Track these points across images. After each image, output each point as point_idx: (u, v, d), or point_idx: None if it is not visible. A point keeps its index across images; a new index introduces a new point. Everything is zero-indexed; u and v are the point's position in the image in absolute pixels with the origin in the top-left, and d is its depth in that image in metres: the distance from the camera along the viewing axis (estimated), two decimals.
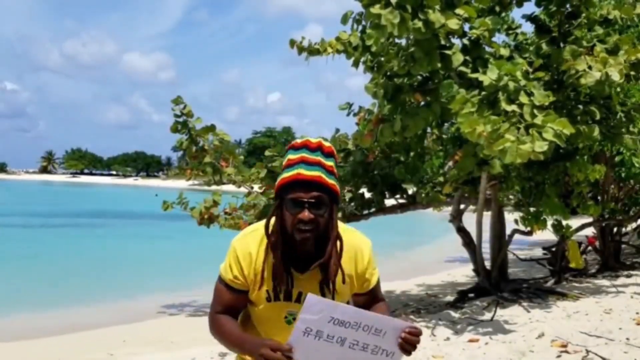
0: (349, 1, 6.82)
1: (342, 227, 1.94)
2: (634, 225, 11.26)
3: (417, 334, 1.77)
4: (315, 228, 1.81)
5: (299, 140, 1.92)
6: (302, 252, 1.88)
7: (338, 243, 1.88)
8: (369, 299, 2.06)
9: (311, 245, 1.85)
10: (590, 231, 10.43)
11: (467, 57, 6.22)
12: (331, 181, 1.85)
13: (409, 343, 1.77)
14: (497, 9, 6.85)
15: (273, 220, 1.90)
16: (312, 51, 7.51)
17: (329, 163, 1.88)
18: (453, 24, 5.70)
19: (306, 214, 1.78)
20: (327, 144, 1.90)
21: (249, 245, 1.94)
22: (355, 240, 1.97)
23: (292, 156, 1.88)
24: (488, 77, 5.49)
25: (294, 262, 1.89)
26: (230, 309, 1.99)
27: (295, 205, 1.81)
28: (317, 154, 1.86)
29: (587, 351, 4.93)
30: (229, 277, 1.94)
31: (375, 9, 5.48)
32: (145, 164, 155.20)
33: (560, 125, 5.11)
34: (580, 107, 6.58)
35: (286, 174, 1.85)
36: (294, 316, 1.92)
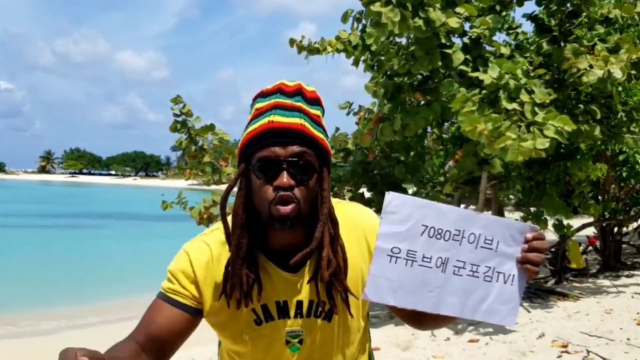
0: None
1: (334, 202, 1.38)
2: (634, 225, 11.23)
3: (542, 238, 1.25)
4: (298, 203, 1.24)
5: (269, 86, 1.33)
6: (281, 243, 1.32)
7: (330, 226, 1.31)
8: None
9: (294, 232, 1.30)
10: (590, 231, 10.40)
11: (468, 56, 6.20)
12: (319, 134, 1.29)
13: (532, 260, 1.23)
14: (498, 8, 6.84)
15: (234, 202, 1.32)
16: (312, 50, 7.50)
17: (315, 112, 1.31)
18: (453, 22, 5.68)
19: (285, 179, 1.22)
20: (309, 87, 1.33)
21: (207, 249, 1.37)
22: (357, 214, 1.40)
23: (260, 104, 1.30)
24: (489, 75, 5.47)
25: (279, 258, 1.34)
26: (157, 337, 1.33)
27: (268, 168, 1.24)
28: (296, 99, 1.29)
29: (588, 351, 4.91)
30: (170, 287, 1.36)
31: (376, 7, 5.46)
32: (145, 164, 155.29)
33: (562, 122, 5.09)
34: (581, 106, 6.56)
35: (252, 126, 1.28)
36: (300, 337, 1.36)
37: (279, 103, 1.28)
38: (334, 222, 1.32)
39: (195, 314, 1.35)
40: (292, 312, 1.36)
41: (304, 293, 1.35)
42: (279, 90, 1.30)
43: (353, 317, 1.39)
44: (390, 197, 1.20)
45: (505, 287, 1.24)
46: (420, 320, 1.40)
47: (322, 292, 1.34)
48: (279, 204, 1.23)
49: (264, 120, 1.26)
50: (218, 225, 1.38)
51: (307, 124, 1.27)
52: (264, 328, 1.35)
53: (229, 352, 1.45)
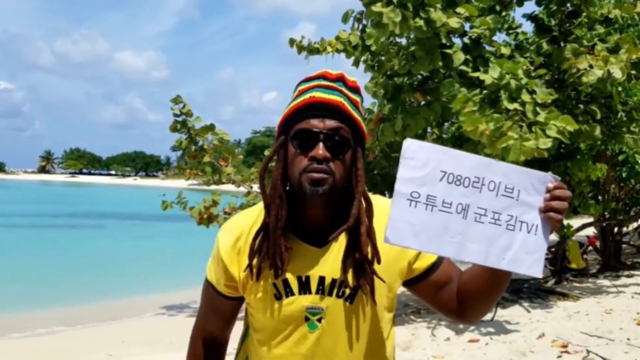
0: None
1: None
2: (634, 225, 11.23)
3: (564, 187, 1.24)
4: (332, 175, 1.27)
5: (314, 73, 1.41)
6: (312, 218, 1.34)
7: (365, 204, 1.32)
8: (442, 279, 1.41)
9: (326, 206, 1.32)
10: (590, 231, 10.40)
11: (468, 56, 6.20)
12: (356, 114, 1.33)
13: (556, 208, 1.22)
14: (498, 8, 6.84)
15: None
16: (312, 50, 7.50)
17: (355, 97, 1.37)
18: (454, 22, 5.68)
19: (320, 151, 1.26)
20: (351, 78, 1.40)
21: (238, 226, 1.42)
22: (387, 205, 1.32)
23: (303, 86, 1.37)
24: (490, 75, 5.47)
25: (306, 235, 1.35)
26: (220, 317, 1.48)
27: (306, 139, 1.28)
28: (338, 84, 1.36)
29: (588, 351, 4.91)
30: (212, 278, 1.46)
31: (377, 7, 5.46)
32: (145, 164, 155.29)
33: (564, 122, 5.09)
34: (581, 106, 6.56)
35: (294, 103, 1.34)
36: (319, 315, 1.36)
37: (321, 84, 1.35)
38: (368, 202, 1.34)
39: (235, 299, 1.45)
40: (313, 288, 1.35)
41: (328, 269, 1.34)
42: (322, 76, 1.37)
43: (376, 304, 1.37)
44: (408, 143, 1.21)
45: (529, 236, 1.22)
46: (465, 304, 1.39)
47: (348, 272, 1.34)
48: (313, 177, 1.26)
49: (306, 96, 1.32)
50: (258, 206, 1.44)
51: (346, 103, 1.32)
52: (283, 303, 1.35)
53: (254, 337, 1.46)
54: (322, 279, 1.34)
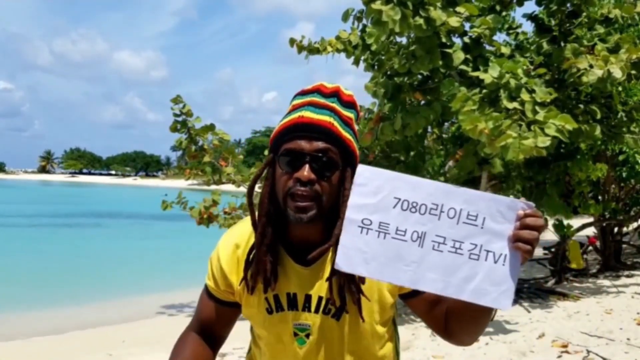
0: None
1: None
2: (634, 225, 11.23)
3: (537, 215, 1.16)
4: (317, 197, 1.26)
5: (309, 86, 1.39)
6: (300, 237, 1.35)
7: None
8: (433, 296, 1.37)
9: (313, 227, 1.31)
10: (590, 231, 10.40)
11: (468, 56, 6.20)
12: (347, 134, 1.31)
13: (524, 238, 1.14)
14: (498, 7, 6.84)
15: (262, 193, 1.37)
16: (312, 50, 7.49)
17: (348, 114, 1.34)
18: (454, 21, 5.68)
19: (305, 172, 1.24)
20: (347, 91, 1.37)
21: (238, 235, 1.44)
22: None
23: (297, 101, 1.36)
24: (489, 75, 5.47)
25: (295, 252, 1.37)
26: (209, 324, 1.47)
27: (292, 160, 1.27)
28: (332, 99, 1.33)
29: (588, 351, 4.91)
30: (210, 284, 1.46)
31: (377, 5, 5.45)
32: (145, 164, 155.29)
33: (563, 120, 5.08)
34: (581, 106, 6.56)
35: (284, 120, 1.33)
36: (307, 332, 1.38)
37: (313, 101, 1.33)
38: None
39: (233, 305, 1.45)
40: (300, 305, 1.37)
41: (315, 288, 1.36)
42: (317, 90, 1.36)
43: (364, 321, 1.37)
44: (361, 169, 1.19)
45: (496, 267, 1.15)
46: (450, 327, 1.37)
47: (334, 290, 1.34)
48: (296, 198, 1.26)
49: (295, 115, 1.30)
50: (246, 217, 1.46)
51: (335, 123, 1.30)
52: (274, 317, 1.39)
53: (256, 335, 1.52)
54: (308, 297, 1.36)
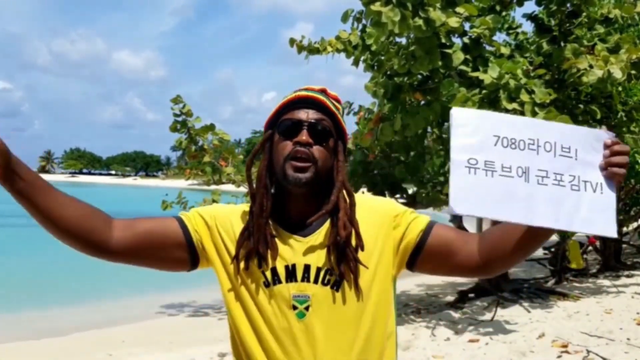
0: None
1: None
2: (634, 225, 11.24)
3: (621, 142, 1.22)
4: (315, 163, 1.33)
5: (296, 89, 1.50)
6: (297, 210, 1.39)
7: (346, 194, 1.38)
8: (440, 241, 1.40)
9: (309, 196, 1.37)
10: None
11: (468, 56, 6.20)
12: (338, 114, 1.43)
13: (618, 163, 1.20)
14: (498, 8, 6.84)
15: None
16: (312, 50, 7.50)
17: (336, 104, 1.46)
18: (454, 22, 5.68)
19: (304, 137, 1.33)
20: (333, 92, 1.49)
21: (238, 210, 1.46)
22: (375, 201, 1.47)
23: (288, 95, 1.47)
24: (489, 75, 5.47)
25: (291, 226, 1.40)
26: (137, 230, 1.40)
27: (291, 127, 1.36)
28: (321, 94, 1.44)
29: (588, 351, 4.91)
30: (186, 215, 1.44)
31: (376, 6, 5.46)
32: (145, 164, 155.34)
33: (562, 121, 5.08)
34: (581, 106, 6.56)
35: (280, 102, 1.44)
36: (307, 304, 1.37)
37: (306, 88, 1.44)
38: (349, 193, 1.39)
39: (189, 248, 1.41)
40: (299, 276, 1.37)
41: (313, 258, 1.38)
42: (305, 89, 1.45)
43: (361, 292, 1.38)
44: (456, 111, 1.19)
45: (595, 195, 1.18)
46: (496, 257, 1.36)
47: (333, 259, 1.36)
48: (296, 163, 1.33)
49: (291, 96, 1.42)
50: (247, 199, 1.48)
51: (328, 102, 1.40)
52: (272, 290, 1.37)
53: (244, 326, 1.40)
54: (307, 267, 1.37)
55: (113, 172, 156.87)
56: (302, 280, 1.37)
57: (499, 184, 1.16)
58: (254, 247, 1.35)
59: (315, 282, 1.37)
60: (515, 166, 1.16)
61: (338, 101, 1.48)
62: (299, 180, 1.32)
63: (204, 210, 1.46)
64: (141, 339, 7.43)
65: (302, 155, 1.33)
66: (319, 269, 1.37)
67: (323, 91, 1.45)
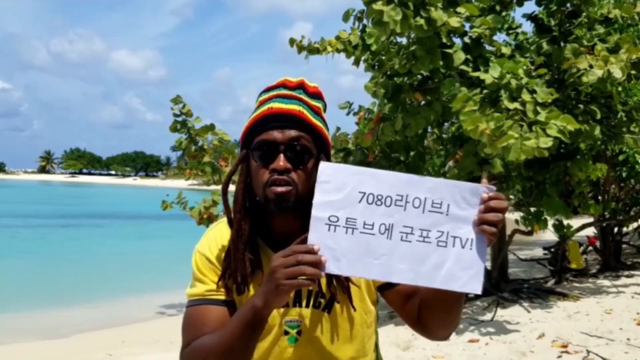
0: None
1: None
2: (634, 225, 11.23)
3: (500, 198, 1.17)
4: (295, 185, 1.26)
5: (274, 82, 1.40)
6: (281, 229, 1.33)
7: None
8: (408, 288, 1.37)
9: (293, 217, 1.30)
10: (590, 231, 10.40)
11: (469, 56, 6.20)
12: (317, 122, 1.32)
13: (489, 221, 1.15)
14: (498, 8, 6.84)
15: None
16: (312, 50, 7.49)
17: (315, 104, 1.36)
18: (455, 22, 5.67)
19: (281, 162, 1.25)
20: (312, 84, 1.39)
21: (221, 235, 1.38)
22: None
23: (263, 96, 1.36)
24: (490, 75, 5.46)
25: (276, 245, 1.32)
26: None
27: (266, 151, 1.27)
28: (298, 91, 1.35)
29: (588, 351, 4.91)
30: (204, 290, 1.34)
31: (378, 6, 5.45)
32: (145, 164, 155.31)
33: (564, 121, 5.08)
34: (581, 106, 6.56)
35: (253, 115, 1.34)
36: (298, 328, 1.34)
37: (280, 94, 1.34)
38: None
39: (229, 302, 1.35)
40: (290, 301, 1.33)
41: None
42: (282, 85, 1.37)
43: (356, 310, 1.36)
44: (323, 166, 1.18)
45: (463, 252, 1.17)
46: (424, 320, 1.36)
47: (323, 282, 1.32)
48: (273, 185, 1.26)
49: (264, 108, 1.31)
50: (222, 218, 1.41)
51: (305, 112, 1.31)
52: None
53: None
54: (298, 292, 1.33)
55: (113, 172, 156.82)
56: (294, 306, 1.33)
57: (358, 241, 1.16)
58: (231, 275, 1.31)
59: (307, 306, 1.35)
60: (379, 223, 1.16)
61: (318, 94, 1.39)
62: (281, 207, 1.26)
63: (203, 269, 1.36)
64: (141, 339, 7.43)
65: (281, 182, 1.26)
66: (309, 293, 1.35)
67: (301, 84, 1.36)
